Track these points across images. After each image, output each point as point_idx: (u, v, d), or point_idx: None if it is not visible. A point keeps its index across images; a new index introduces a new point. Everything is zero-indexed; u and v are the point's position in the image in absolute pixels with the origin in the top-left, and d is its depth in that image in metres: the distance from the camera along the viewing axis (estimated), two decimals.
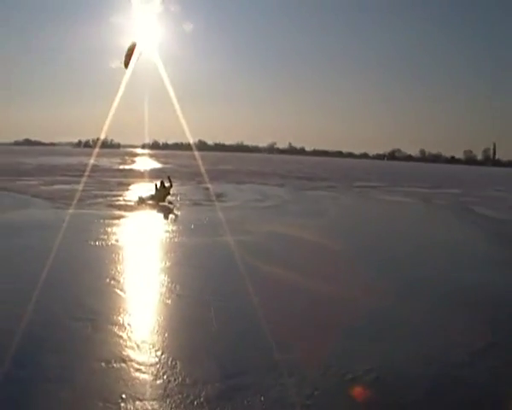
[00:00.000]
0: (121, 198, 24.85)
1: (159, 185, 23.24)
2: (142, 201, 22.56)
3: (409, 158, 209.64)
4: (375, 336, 7.64)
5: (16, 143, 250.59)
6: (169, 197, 23.55)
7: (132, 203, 22.48)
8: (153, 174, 44.07)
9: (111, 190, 28.52)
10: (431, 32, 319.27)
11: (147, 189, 25.31)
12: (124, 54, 16.01)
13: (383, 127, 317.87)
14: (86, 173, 36.94)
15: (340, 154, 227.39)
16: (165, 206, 22.25)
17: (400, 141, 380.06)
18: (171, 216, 19.83)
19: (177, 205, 22.79)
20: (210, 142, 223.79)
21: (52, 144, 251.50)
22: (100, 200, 23.71)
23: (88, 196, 24.71)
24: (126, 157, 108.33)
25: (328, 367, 6.37)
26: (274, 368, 6.27)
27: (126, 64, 16.11)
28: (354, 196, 35.18)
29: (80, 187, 27.47)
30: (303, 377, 6.08)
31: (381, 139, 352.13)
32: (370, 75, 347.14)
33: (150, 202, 22.48)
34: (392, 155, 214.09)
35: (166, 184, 23.33)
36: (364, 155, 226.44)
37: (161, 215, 19.94)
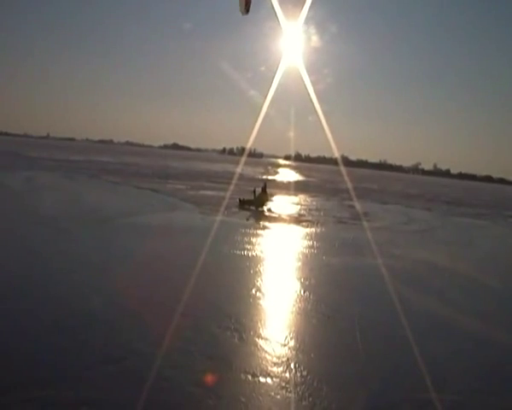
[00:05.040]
0: (265, 208, 25.50)
1: (260, 191, 24.64)
2: (242, 203, 24.20)
3: None
4: None
5: (165, 147, 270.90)
6: (269, 204, 24.60)
7: (276, 215, 23.08)
8: (297, 187, 44.91)
9: None
10: None
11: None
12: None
13: None
14: (231, 181, 38.59)
15: (489, 179, 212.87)
16: (309, 220, 22.43)
17: None
18: (315, 232, 19.89)
19: (321, 221, 22.85)
20: (352, 157, 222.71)
21: (198, 150, 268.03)
22: (244, 208, 24.62)
23: (232, 203, 25.73)
24: (269, 167, 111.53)
25: None
26: (424, 407, 6.02)
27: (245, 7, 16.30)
28: (508, 226, 32.75)
29: (225, 194, 28.65)
30: None
31: None
32: None
33: (250, 206, 24.04)
34: None
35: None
36: None
37: (306, 230, 20.09)
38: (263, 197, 24.08)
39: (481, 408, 6.18)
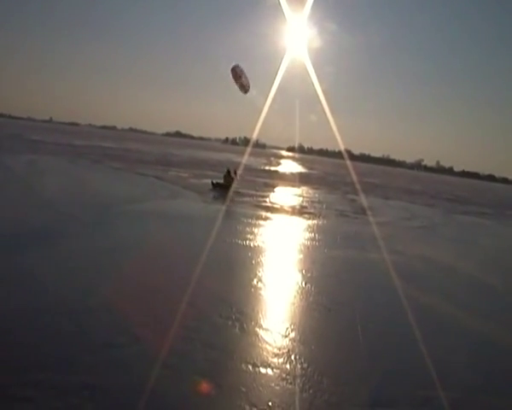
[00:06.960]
0: (267, 199, 25.56)
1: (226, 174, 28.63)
2: (215, 185, 27.80)
3: None
4: None
5: (167, 134, 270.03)
6: (234, 185, 27.36)
7: (278, 207, 23.06)
8: (300, 179, 44.82)
9: (257, 190, 29.47)
10: None
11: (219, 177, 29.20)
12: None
13: None
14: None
15: (492, 178, 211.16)
16: (312, 213, 22.40)
17: None
18: (317, 225, 19.85)
19: (323, 214, 22.82)
20: (355, 151, 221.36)
21: (201, 138, 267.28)
22: (246, 199, 24.70)
23: (234, 194, 25.69)
24: (272, 158, 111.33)
25: None
26: (425, 404, 6.02)
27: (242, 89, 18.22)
28: (511, 225, 32.78)
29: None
30: None
31: None
32: None
33: (221, 187, 26.85)
34: None
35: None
36: None
37: (308, 223, 20.05)
38: (229, 180, 27.70)
39: (483, 407, 6.16)
